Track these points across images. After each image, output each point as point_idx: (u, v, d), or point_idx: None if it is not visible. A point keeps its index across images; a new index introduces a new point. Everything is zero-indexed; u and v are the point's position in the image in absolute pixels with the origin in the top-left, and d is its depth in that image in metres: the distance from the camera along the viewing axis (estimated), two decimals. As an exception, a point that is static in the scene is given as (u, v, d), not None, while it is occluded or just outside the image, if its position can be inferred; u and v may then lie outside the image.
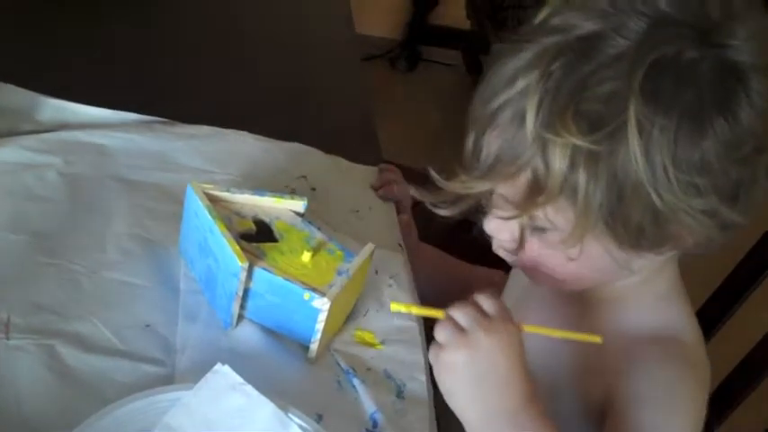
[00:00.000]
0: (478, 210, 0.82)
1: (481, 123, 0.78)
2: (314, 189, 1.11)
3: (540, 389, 0.77)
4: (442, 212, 0.81)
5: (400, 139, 1.53)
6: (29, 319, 0.81)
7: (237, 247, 0.83)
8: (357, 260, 0.89)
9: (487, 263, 1.36)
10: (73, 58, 1.21)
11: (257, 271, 0.84)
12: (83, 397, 0.76)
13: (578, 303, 0.91)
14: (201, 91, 1.26)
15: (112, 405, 0.72)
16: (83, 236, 0.93)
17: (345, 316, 0.93)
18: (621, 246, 0.77)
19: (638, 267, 0.82)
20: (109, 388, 0.77)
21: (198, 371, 0.77)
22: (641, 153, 0.71)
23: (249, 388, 0.76)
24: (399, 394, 0.87)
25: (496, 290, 0.81)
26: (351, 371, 0.87)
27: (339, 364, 0.88)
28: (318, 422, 0.78)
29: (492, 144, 0.77)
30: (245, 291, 0.85)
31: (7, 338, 0.79)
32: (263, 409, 0.75)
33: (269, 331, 0.88)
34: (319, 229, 0.92)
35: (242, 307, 0.87)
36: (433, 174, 0.79)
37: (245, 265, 0.82)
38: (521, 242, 0.82)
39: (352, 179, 1.17)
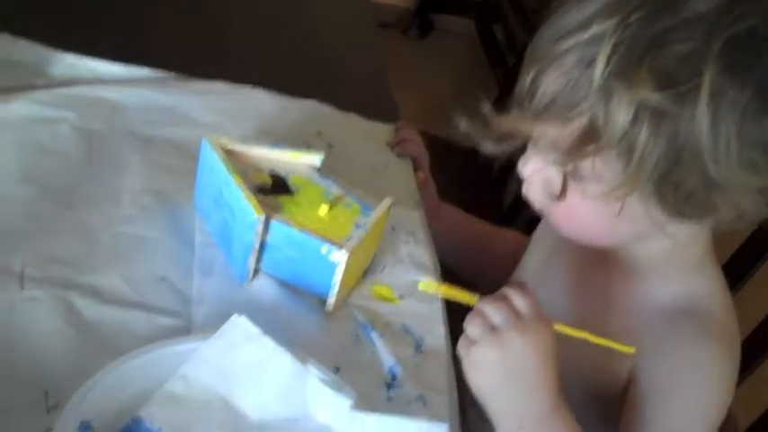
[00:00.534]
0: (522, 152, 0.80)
1: (543, 62, 0.74)
2: (330, 146, 1.10)
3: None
4: (487, 149, 0.79)
5: (412, 107, 1.51)
6: (44, 270, 0.80)
7: (254, 200, 0.82)
8: (375, 214, 0.87)
9: (507, 225, 1.36)
10: (86, 13, 1.20)
11: (274, 224, 0.83)
12: (99, 348, 0.75)
13: (604, 270, 0.89)
14: (216, 50, 1.25)
15: (129, 355, 0.71)
16: (97, 190, 0.92)
17: (363, 270, 0.92)
18: (665, 209, 0.75)
19: (674, 231, 0.79)
20: (125, 339, 0.76)
21: (214, 323, 0.76)
22: (708, 121, 0.68)
23: (266, 339, 0.75)
24: (418, 348, 0.86)
25: (527, 284, 0.78)
26: (369, 325, 0.86)
27: (357, 318, 0.87)
28: (336, 374, 0.76)
29: (551, 84, 0.73)
30: (262, 244, 0.84)
31: (23, 289, 0.78)
32: (280, 360, 0.74)
33: (285, 285, 0.87)
34: (336, 182, 0.91)
35: (258, 260, 0.86)
36: (485, 106, 0.76)
37: (262, 217, 0.81)
38: (563, 190, 0.79)
39: (368, 137, 1.16)
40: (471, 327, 0.76)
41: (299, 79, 1.23)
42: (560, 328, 0.77)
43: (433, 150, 1.20)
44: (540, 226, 1.05)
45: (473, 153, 0.80)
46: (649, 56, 0.68)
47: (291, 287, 0.87)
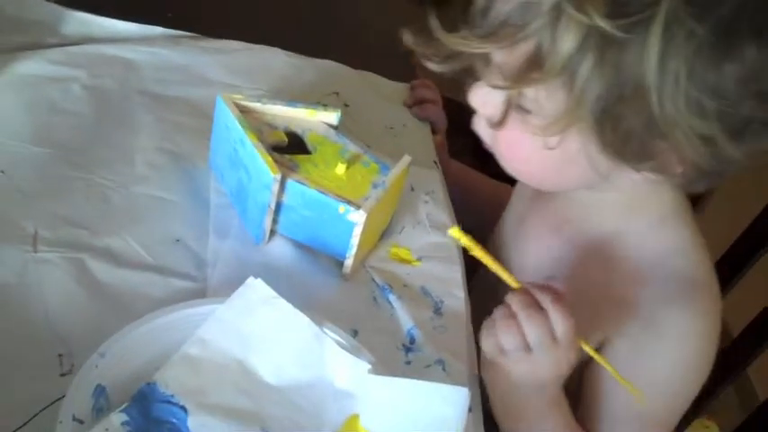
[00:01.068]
0: (469, 74, 0.77)
1: None
2: (347, 105, 1.08)
3: None
4: (433, 67, 0.75)
5: (423, 73, 1.49)
6: (57, 232, 0.79)
7: (270, 158, 0.80)
8: (393, 173, 0.86)
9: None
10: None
11: (290, 183, 0.81)
12: (113, 311, 0.74)
13: (571, 224, 0.89)
14: (231, 8, 1.23)
15: (143, 318, 0.70)
16: (110, 150, 0.91)
17: (381, 232, 0.90)
18: (604, 148, 0.72)
19: (616, 180, 0.77)
20: (140, 302, 0.75)
21: (230, 285, 0.75)
22: (658, 53, 0.65)
23: (282, 302, 0.73)
24: (437, 311, 0.84)
25: (567, 301, 0.75)
26: (387, 287, 0.85)
27: (375, 281, 0.86)
28: (354, 337, 0.75)
29: (505, 4, 0.70)
30: (278, 205, 0.83)
31: (35, 251, 0.77)
32: (297, 322, 0.73)
33: (302, 246, 0.86)
34: (353, 141, 0.89)
35: (274, 221, 0.84)
36: (434, 23, 0.72)
37: (278, 176, 0.79)
38: (503, 118, 0.76)
39: (385, 96, 1.14)
40: (506, 338, 0.75)
41: (316, 38, 1.21)
42: (585, 347, 0.76)
43: (447, 112, 1.18)
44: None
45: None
46: None
47: (308, 249, 0.86)
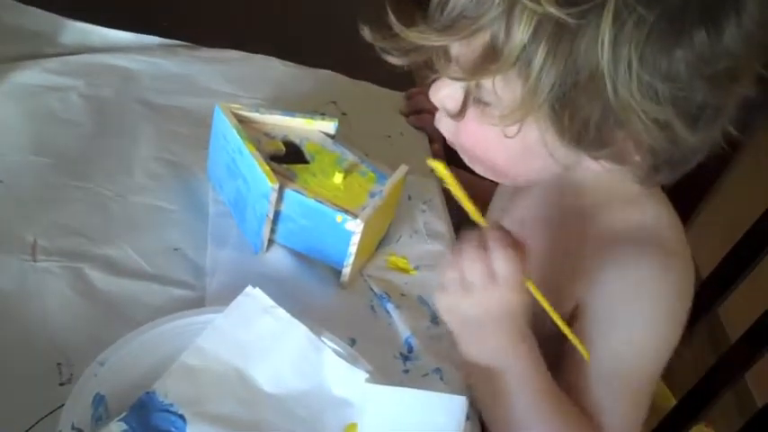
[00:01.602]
0: (429, 68, 0.77)
1: None
2: (344, 114, 1.08)
3: None
4: (392, 60, 0.76)
5: (421, 82, 1.50)
6: (56, 241, 0.80)
7: (268, 168, 0.81)
8: (390, 181, 0.86)
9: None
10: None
11: (288, 193, 0.82)
12: (112, 320, 0.74)
13: (547, 221, 0.89)
14: (228, 17, 1.23)
15: (144, 327, 0.70)
16: (108, 159, 0.91)
17: (378, 240, 0.91)
18: (562, 137, 0.73)
19: (577, 173, 0.79)
20: (139, 311, 0.76)
21: (228, 295, 0.75)
22: (610, 40, 0.66)
23: (280, 311, 0.74)
24: (434, 319, 0.84)
25: (508, 235, 0.76)
26: (384, 296, 0.85)
27: (372, 289, 0.86)
28: (352, 346, 0.76)
29: None
30: (276, 214, 0.83)
31: (34, 261, 0.77)
32: (295, 332, 0.73)
33: (300, 255, 0.86)
34: (350, 150, 0.89)
35: (272, 231, 0.85)
36: (393, 18, 0.72)
37: (276, 185, 0.80)
38: (462, 109, 0.77)
39: (382, 105, 1.15)
40: (447, 276, 0.76)
41: (313, 47, 1.21)
42: (532, 288, 0.75)
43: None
44: None
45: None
46: None
47: (306, 258, 0.86)
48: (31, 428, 0.64)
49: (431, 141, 1.14)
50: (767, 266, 1.13)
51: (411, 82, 1.20)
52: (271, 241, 0.86)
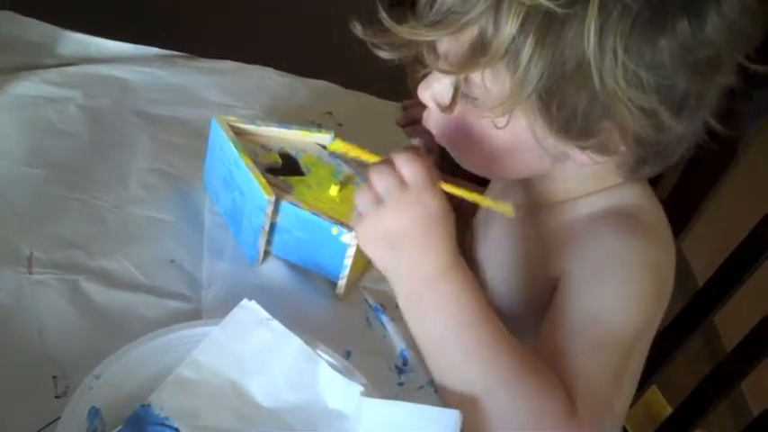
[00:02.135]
0: (419, 63, 0.79)
1: None
2: (340, 125, 1.09)
3: (497, 291, 0.79)
4: (383, 54, 0.77)
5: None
6: (52, 254, 0.80)
7: (264, 180, 0.81)
8: (386, 195, 0.86)
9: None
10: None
11: (284, 205, 0.82)
12: (108, 332, 0.74)
13: (534, 212, 0.90)
14: (225, 28, 1.24)
15: (139, 340, 0.70)
16: (105, 171, 0.91)
17: (374, 252, 0.91)
18: (550, 127, 0.75)
19: (565, 165, 0.80)
20: (135, 323, 0.76)
21: (224, 306, 0.75)
22: (595, 31, 0.68)
23: (276, 323, 0.74)
24: (429, 331, 0.85)
25: (412, 149, 0.77)
26: (380, 308, 0.86)
27: (367, 301, 0.86)
28: (347, 359, 0.76)
29: None
30: (272, 226, 0.83)
31: (30, 273, 0.77)
32: (290, 344, 0.73)
33: (296, 267, 0.86)
34: (346, 162, 0.90)
35: (268, 242, 0.85)
36: (383, 14, 0.75)
37: (272, 198, 0.80)
38: (451, 102, 0.78)
39: (378, 115, 1.15)
40: (359, 200, 0.76)
41: (309, 58, 1.22)
42: (446, 187, 0.76)
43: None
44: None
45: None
46: None
47: (302, 270, 0.86)
48: (26, 441, 0.64)
49: (428, 151, 1.15)
50: (763, 275, 1.14)
51: (407, 93, 1.21)
52: (267, 253, 0.86)
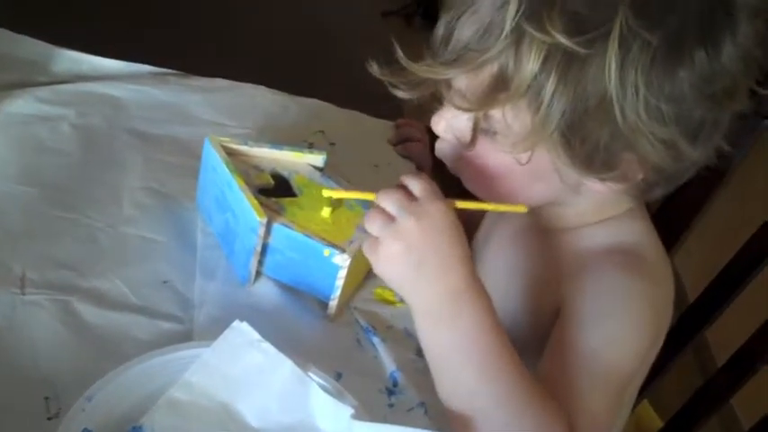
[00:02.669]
0: (436, 100, 0.80)
1: (459, 6, 0.74)
2: (332, 144, 1.09)
3: (497, 310, 0.76)
4: (400, 94, 0.78)
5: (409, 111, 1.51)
6: (45, 274, 0.80)
7: (256, 202, 0.81)
8: (377, 216, 0.87)
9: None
10: (89, 10, 1.19)
11: (276, 227, 0.83)
12: (100, 353, 0.75)
13: (537, 235, 0.90)
14: (217, 45, 1.24)
15: (131, 362, 0.71)
16: (98, 190, 0.92)
17: (365, 273, 0.91)
18: (572, 162, 0.75)
19: (581, 194, 0.81)
20: (127, 345, 0.76)
21: (216, 327, 0.75)
22: (617, 66, 0.68)
23: (267, 345, 0.74)
24: (419, 352, 0.85)
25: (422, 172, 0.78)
26: (370, 329, 0.86)
27: (359, 322, 0.87)
28: (337, 380, 0.76)
29: (465, 30, 0.73)
30: (264, 246, 0.84)
31: (23, 294, 0.78)
32: (281, 366, 0.74)
33: (287, 288, 0.87)
34: (338, 183, 0.90)
35: (260, 263, 0.85)
36: (399, 52, 0.74)
37: (264, 220, 0.81)
38: (472, 138, 0.79)
39: (371, 134, 1.16)
40: (371, 224, 0.75)
41: (301, 76, 1.23)
42: (459, 204, 0.76)
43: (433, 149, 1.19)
44: None
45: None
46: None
47: (294, 290, 0.87)
48: (18, 464, 0.65)
49: (418, 169, 1.15)
50: (754, 290, 1.14)
51: (399, 111, 1.21)
52: (258, 273, 0.87)
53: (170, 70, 1.12)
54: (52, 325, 0.76)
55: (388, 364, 0.83)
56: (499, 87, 0.72)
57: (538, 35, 0.68)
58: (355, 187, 0.80)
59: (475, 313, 0.74)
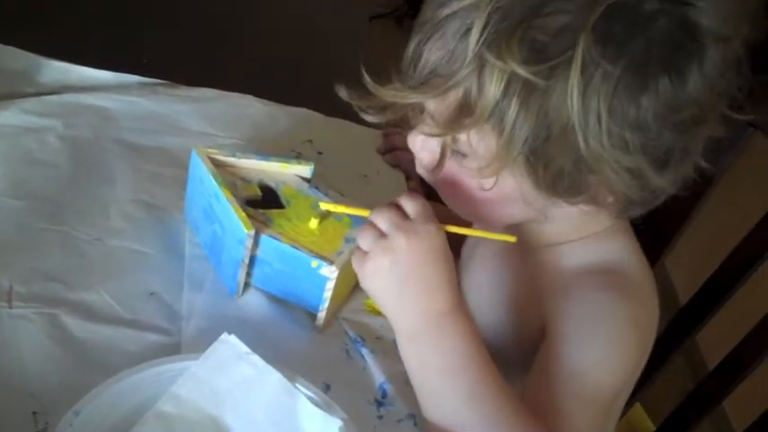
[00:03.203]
0: (404, 121, 0.80)
1: (426, 30, 0.74)
2: (320, 153, 1.09)
3: (480, 325, 0.77)
4: (368, 118, 0.78)
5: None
6: (32, 287, 0.80)
7: (243, 214, 0.81)
8: (365, 227, 0.87)
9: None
10: (75, 20, 1.19)
11: (264, 238, 0.83)
12: (88, 367, 0.75)
13: (519, 252, 0.90)
14: (205, 54, 1.24)
15: (119, 375, 0.71)
16: (85, 201, 0.91)
17: (353, 284, 0.91)
18: (537, 187, 0.75)
19: (553, 215, 0.80)
20: (114, 357, 0.76)
21: (204, 339, 0.75)
22: (578, 94, 0.68)
23: (255, 358, 0.74)
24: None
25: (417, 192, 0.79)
26: (359, 340, 0.86)
27: (347, 333, 0.87)
28: (326, 392, 0.76)
29: (432, 55, 0.73)
30: (252, 258, 0.84)
31: (10, 307, 0.77)
32: (269, 379, 0.74)
33: (276, 299, 0.87)
34: (326, 194, 0.91)
35: (248, 274, 0.85)
36: (367, 77, 0.74)
37: (252, 232, 0.81)
38: (440, 162, 0.79)
39: (359, 143, 1.16)
40: (363, 239, 0.77)
41: (289, 85, 1.23)
42: (450, 229, 0.78)
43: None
44: None
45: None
46: (523, 27, 0.67)
47: (282, 302, 0.87)
48: (5, 480, 0.65)
49: (407, 179, 1.16)
50: (745, 294, 1.15)
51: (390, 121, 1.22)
52: (247, 284, 0.86)
53: (158, 80, 1.12)
54: (39, 338, 0.76)
55: (378, 375, 0.83)
56: (464, 112, 0.72)
57: (497, 63, 0.67)
58: (349, 201, 0.80)
59: (457, 336, 0.75)
